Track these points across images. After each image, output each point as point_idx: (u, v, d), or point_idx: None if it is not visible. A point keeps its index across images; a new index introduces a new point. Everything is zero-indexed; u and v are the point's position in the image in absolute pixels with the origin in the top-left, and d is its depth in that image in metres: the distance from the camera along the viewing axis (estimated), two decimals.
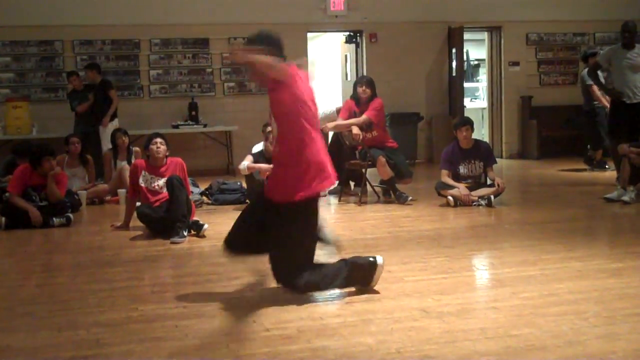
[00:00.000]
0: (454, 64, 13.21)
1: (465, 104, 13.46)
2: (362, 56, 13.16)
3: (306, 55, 12.61)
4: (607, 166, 10.60)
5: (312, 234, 4.20)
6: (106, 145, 10.05)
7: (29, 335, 3.76)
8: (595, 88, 10.11)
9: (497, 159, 8.80)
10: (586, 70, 10.26)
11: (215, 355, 3.36)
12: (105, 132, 10.29)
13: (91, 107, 10.81)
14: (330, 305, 4.15)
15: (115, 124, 10.63)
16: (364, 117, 8.15)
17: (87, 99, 10.76)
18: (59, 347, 3.55)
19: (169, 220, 6.41)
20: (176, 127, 11.61)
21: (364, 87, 8.25)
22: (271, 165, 7.91)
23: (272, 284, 4.29)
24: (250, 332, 3.69)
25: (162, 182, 6.76)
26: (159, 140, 6.83)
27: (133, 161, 8.35)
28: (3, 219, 7.26)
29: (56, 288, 4.84)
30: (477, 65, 16.36)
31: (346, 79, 13.94)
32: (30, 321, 4.04)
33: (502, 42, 13.55)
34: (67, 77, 11.04)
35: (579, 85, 11.40)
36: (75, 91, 10.94)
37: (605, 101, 9.87)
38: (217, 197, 8.58)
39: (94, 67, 10.93)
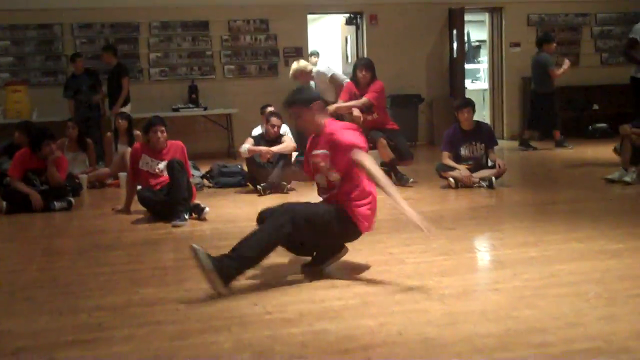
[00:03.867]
0: (454, 45, 13.15)
1: (466, 85, 13.41)
2: (362, 38, 13.10)
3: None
4: (567, 144, 11.42)
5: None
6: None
7: (30, 320, 3.77)
8: (556, 71, 11.15)
9: (498, 141, 8.79)
10: (541, 55, 11.42)
11: (217, 339, 3.37)
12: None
13: (94, 91, 10.84)
14: (331, 288, 4.15)
15: (128, 108, 10.61)
16: (364, 99, 8.13)
17: (82, 88, 10.72)
18: (60, 331, 3.56)
19: (169, 203, 6.41)
20: (176, 110, 11.59)
21: (363, 71, 8.21)
22: (271, 148, 8.01)
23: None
24: (252, 315, 3.69)
25: (162, 165, 6.75)
26: (160, 128, 6.79)
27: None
28: (4, 203, 7.26)
29: (57, 272, 4.85)
30: (478, 47, 16.28)
31: (347, 61, 13.90)
32: (31, 305, 4.05)
33: (503, 23, 13.47)
34: (72, 58, 10.93)
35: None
36: (74, 77, 10.87)
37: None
38: (218, 180, 8.58)
39: (110, 50, 10.85)
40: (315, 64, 13.58)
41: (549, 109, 11.38)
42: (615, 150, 9.05)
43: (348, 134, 4.41)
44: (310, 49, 12.93)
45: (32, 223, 6.92)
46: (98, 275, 4.65)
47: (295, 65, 9.28)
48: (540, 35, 12.29)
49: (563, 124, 11.92)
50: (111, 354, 3.27)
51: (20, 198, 7.23)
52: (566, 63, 11.22)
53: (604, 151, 9.49)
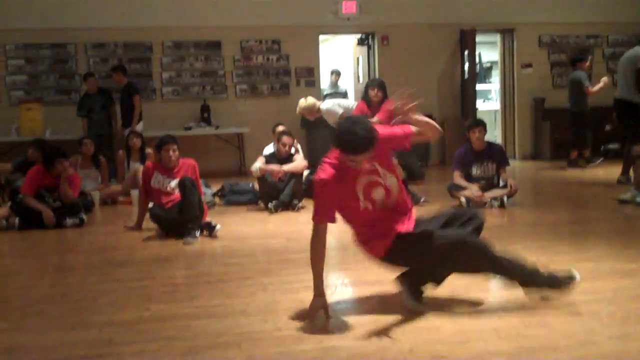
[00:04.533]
0: (466, 66, 13.19)
1: (477, 105, 13.44)
2: (374, 58, 13.16)
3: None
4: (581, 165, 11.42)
5: None
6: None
7: (41, 335, 3.78)
8: (591, 88, 11.00)
9: (510, 161, 8.77)
10: (575, 72, 11.25)
11: (227, 355, 3.36)
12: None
13: (107, 110, 10.95)
14: (341, 305, 4.14)
15: (140, 126, 10.68)
16: (375, 119, 8.13)
17: (95, 107, 10.83)
18: (72, 346, 3.56)
19: (181, 221, 6.43)
20: (188, 129, 11.66)
21: (375, 90, 8.22)
22: (282, 167, 8.03)
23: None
24: (262, 332, 3.68)
25: (174, 183, 6.78)
26: (172, 147, 6.83)
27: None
28: (17, 219, 7.31)
29: (69, 288, 4.86)
30: (490, 68, 16.33)
31: (358, 81, 13.95)
32: (42, 320, 4.06)
33: (515, 44, 13.53)
34: (84, 78, 11.07)
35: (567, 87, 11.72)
36: (87, 95, 10.99)
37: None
38: (229, 198, 8.61)
39: (120, 70, 10.98)
40: (336, 83, 13.62)
41: (577, 128, 11.32)
42: (619, 182, 9.06)
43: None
44: (322, 69, 13.00)
45: (44, 239, 6.95)
46: (109, 291, 4.66)
47: (303, 103, 9.15)
48: (574, 53, 12.26)
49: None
50: None
51: (33, 214, 7.28)
52: (603, 80, 11.07)
53: (616, 171, 9.45)
